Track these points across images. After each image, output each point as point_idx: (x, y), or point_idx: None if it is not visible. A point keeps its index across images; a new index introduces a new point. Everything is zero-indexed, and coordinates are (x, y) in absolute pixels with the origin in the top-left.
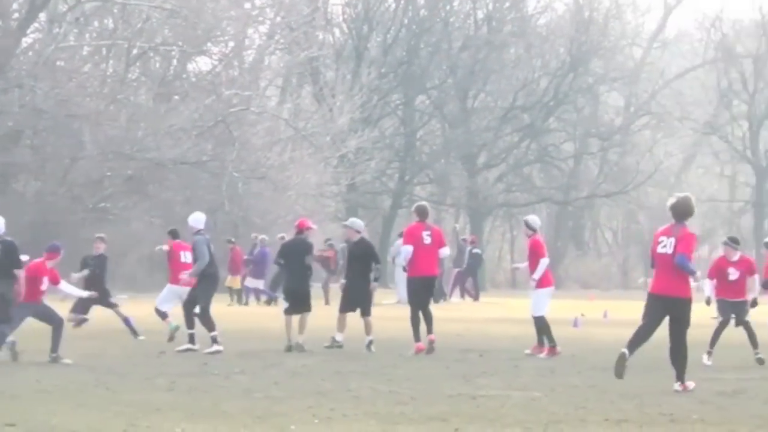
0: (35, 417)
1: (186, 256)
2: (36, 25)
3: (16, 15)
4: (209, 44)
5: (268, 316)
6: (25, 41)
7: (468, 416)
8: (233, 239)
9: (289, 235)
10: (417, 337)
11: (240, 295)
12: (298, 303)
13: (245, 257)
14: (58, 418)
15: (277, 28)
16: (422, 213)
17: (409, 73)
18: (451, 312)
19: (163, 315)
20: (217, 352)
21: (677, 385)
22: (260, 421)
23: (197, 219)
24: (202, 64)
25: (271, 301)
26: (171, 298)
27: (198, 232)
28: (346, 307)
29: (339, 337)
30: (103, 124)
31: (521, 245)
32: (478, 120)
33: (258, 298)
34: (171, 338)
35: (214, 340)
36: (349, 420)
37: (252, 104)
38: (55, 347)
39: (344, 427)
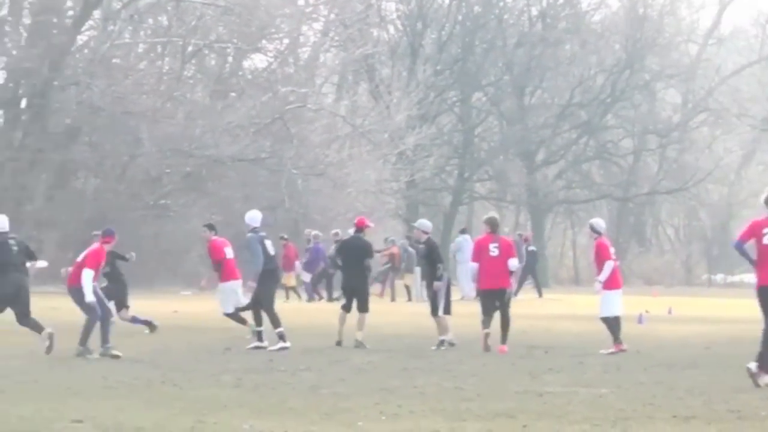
0: (102, 413)
1: (229, 252)
2: (91, 22)
3: (70, 13)
4: (264, 41)
5: (332, 312)
6: (80, 39)
7: (535, 413)
8: (286, 236)
9: (343, 231)
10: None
11: (294, 291)
12: (356, 302)
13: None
14: (124, 415)
15: (332, 25)
16: (492, 225)
17: (464, 70)
18: (516, 309)
19: (239, 320)
20: (283, 348)
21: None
22: (327, 417)
23: (253, 217)
24: (257, 61)
25: (311, 300)
26: (230, 297)
27: (253, 230)
28: (434, 309)
29: (448, 336)
30: (161, 122)
31: (583, 242)
32: (535, 117)
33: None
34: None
35: (281, 337)
36: (416, 416)
37: (308, 101)
38: (83, 341)
39: (411, 424)
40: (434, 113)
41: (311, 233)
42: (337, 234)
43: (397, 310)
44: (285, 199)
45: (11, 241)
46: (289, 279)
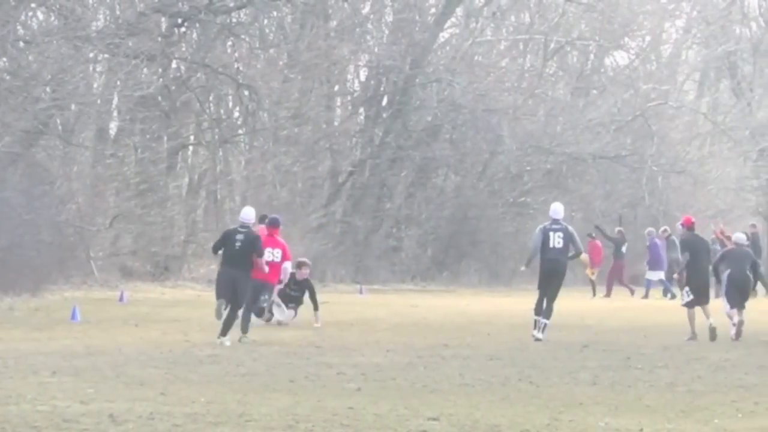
0: (458, 411)
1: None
2: (453, 20)
3: (432, 10)
4: (626, 38)
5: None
6: (442, 36)
7: None
8: (593, 234)
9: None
10: None
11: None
12: (702, 296)
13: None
14: (480, 412)
15: (694, 22)
16: None
17: None
18: None
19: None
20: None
21: None
22: (683, 415)
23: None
24: (619, 58)
25: (667, 293)
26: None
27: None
28: None
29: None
30: (521, 119)
31: None
32: None
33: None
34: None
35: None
36: None
37: (670, 98)
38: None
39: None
40: None
41: (647, 230)
42: (666, 231)
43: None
44: (645, 196)
45: (239, 236)
46: (591, 273)
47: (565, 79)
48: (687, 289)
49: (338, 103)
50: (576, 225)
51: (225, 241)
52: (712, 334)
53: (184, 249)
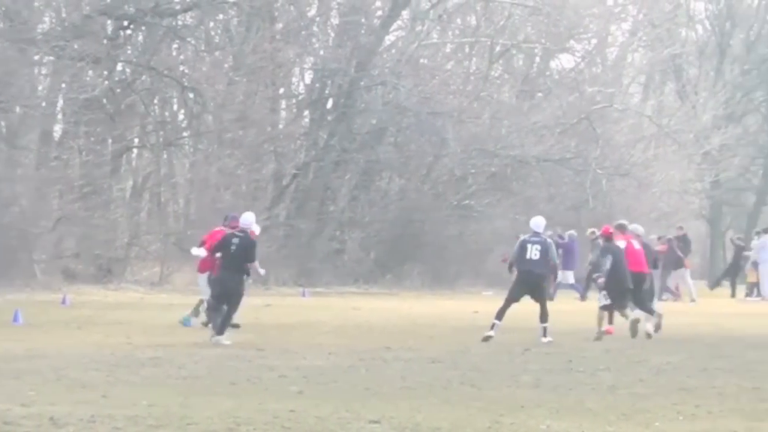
0: (400, 414)
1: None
2: (399, 23)
3: (378, 13)
4: (572, 41)
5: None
6: (388, 39)
7: None
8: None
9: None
10: None
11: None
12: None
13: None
14: (422, 415)
15: (640, 25)
16: None
17: None
18: None
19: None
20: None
21: None
22: (625, 418)
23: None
24: (564, 61)
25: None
26: None
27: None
28: None
29: None
30: (466, 122)
31: None
32: None
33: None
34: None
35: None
36: (713, 417)
37: (615, 101)
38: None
39: (708, 425)
40: (740, 113)
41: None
42: (594, 233)
43: (697, 309)
44: (589, 199)
45: (235, 239)
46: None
47: (511, 82)
48: (605, 293)
49: (283, 106)
50: (520, 228)
51: (223, 244)
52: (634, 327)
53: (127, 251)
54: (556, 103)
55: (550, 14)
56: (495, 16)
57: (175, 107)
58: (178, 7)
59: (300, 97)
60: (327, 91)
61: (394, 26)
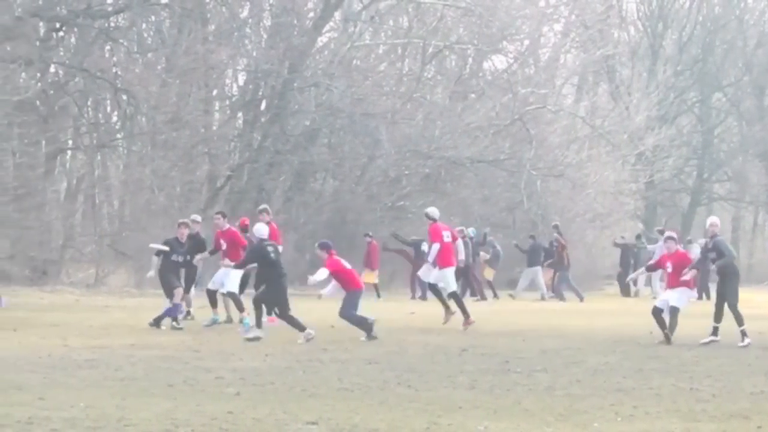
0: (337, 415)
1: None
2: (331, 24)
3: (311, 14)
4: (504, 42)
5: (554, 312)
6: (321, 40)
7: None
8: (371, 234)
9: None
10: None
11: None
12: None
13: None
14: (359, 416)
15: (572, 26)
16: None
17: (704, 70)
18: (752, 310)
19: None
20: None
21: None
22: (562, 419)
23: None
24: (497, 62)
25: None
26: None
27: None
28: None
29: None
30: (400, 123)
31: None
32: None
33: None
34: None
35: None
36: (651, 417)
37: (548, 102)
38: None
39: (646, 425)
40: (674, 114)
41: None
42: (462, 231)
43: (636, 309)
44: (524, 200)
45: (270, 247)
46: (369, 276)
47: (444, 83)
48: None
49: (216, 108)
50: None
51: (261, 254)
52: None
53: (62, 253)
54: (489, 104)
55: (483, 15)
56: (427, 17)
57: (109, 109)
58: (110, 8)
59: (233, 99)
60: (260, 93)
61: (327, 27)
